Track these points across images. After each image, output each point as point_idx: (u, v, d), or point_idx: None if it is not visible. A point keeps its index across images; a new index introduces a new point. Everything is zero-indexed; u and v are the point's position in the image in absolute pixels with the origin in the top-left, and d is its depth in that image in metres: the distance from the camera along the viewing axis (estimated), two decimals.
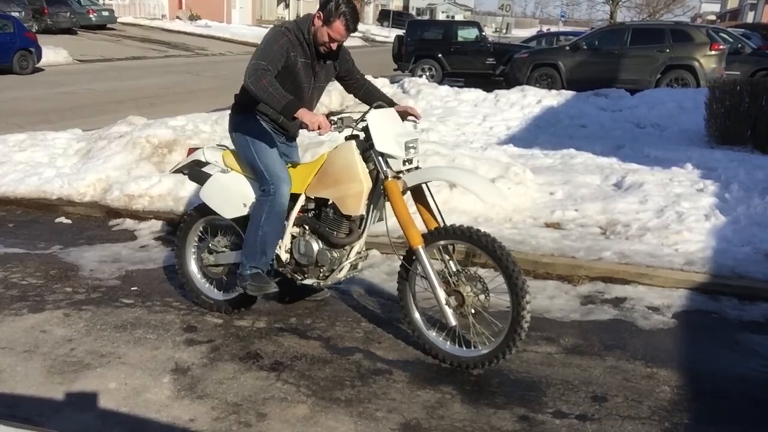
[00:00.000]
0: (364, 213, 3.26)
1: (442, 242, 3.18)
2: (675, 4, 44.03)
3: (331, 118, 3.10)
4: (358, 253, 3.40)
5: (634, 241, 4.68)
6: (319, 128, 2.98)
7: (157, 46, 25.48)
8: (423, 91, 11.51)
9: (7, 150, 6.77)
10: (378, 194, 3.25)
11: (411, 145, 3.16)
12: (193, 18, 34.45)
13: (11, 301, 3.85)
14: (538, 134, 8.68)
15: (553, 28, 46.52)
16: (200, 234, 3.85)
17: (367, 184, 3.18)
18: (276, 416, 2.79)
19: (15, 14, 19.19)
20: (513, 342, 3.01)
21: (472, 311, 3.12)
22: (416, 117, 3.46)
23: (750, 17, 41.12)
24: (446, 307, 3.09)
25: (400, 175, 3.18)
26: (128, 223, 5.37)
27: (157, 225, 5.29)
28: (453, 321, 3.10)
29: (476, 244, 3.04)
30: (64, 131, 7.52)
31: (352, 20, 3.17)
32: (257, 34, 30.01)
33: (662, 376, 3.19)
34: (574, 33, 22.46)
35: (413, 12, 61.37)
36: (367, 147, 3.19)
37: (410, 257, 3.25)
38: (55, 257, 4.61)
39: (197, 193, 5.37)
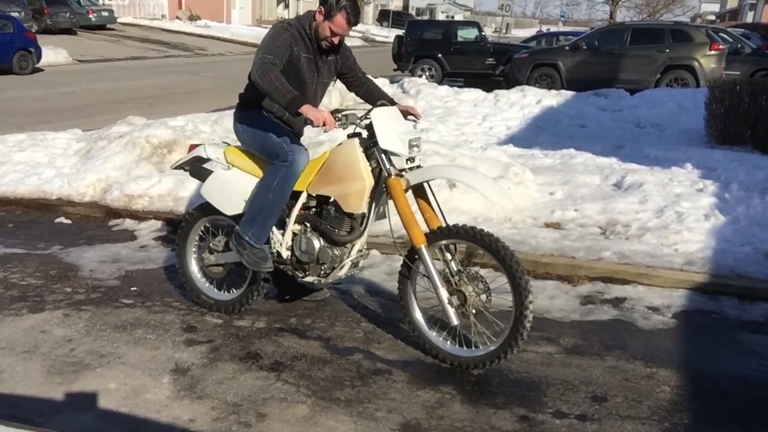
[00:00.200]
0: (365, 211, 3.26)
1: (444, 241, 3.18)
2: (675, 4, 44.08)
3: (336, 115, 3.11)
4: (360, 251, 3.40)
5: (633, 241, 4.68)
6: (323, 125, 2.99)
7: (156, 47, 25.48)
8: (423, 91, 11.52)
9: (6, 150, 6.77)
10: (380, 192, 3.24)
11: (414, 143, 3.16)
12: (192, 18, 34.45)
13: (11, 301, 3.85)
14: (537, 134, 8.68)
15: (553, 28, 46.53)
16: (201, 234, 3.85)
17: (369, 181, 3.18)
18: (276, 416, 2.79)
19: (15, 14, 19.19)
20: (515, 342, 3.01)
21: (474, 311, 3.12)
22: (416, 117, 3.46)
23: (749, 17, 41.14)
24: (448, 307, 3.09)
25: (403, 173, 3.18)
26: (128, 224, 5.37)
27: (156, 225, 5.28)
28: (455, 320, 3.10)
29: (479, 244, 3.04)
30: (63, 131, 7.52)
31: (353, 13, 3.18)
32: (257, 35, 30.01)
33: (662, 376, 3.19)
34: (574, 33, 22.46)
35: (413, 12, 61.36)
36: (370, 145, 3.19)
37: (412, 256, 3.24)
38: (55, 257, 4.61)
39: (197, 194, 5.39)
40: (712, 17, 52.65)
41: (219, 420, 2.75)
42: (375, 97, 3.49)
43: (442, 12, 65.91)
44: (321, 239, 3.36)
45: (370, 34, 39.97)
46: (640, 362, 3.31)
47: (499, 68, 16.82)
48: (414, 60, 17.13)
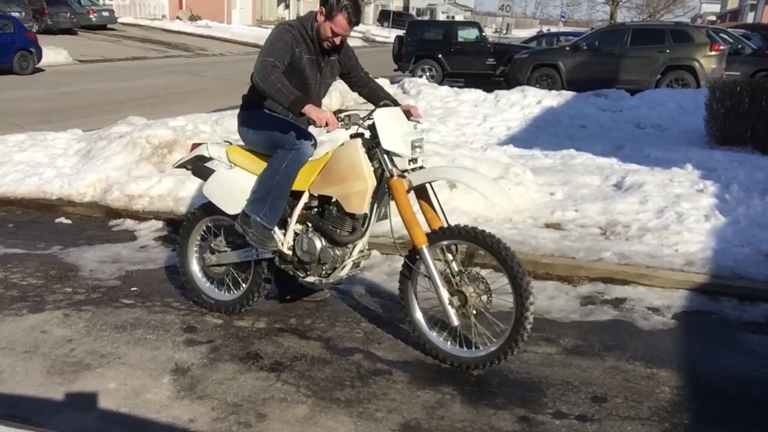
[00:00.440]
0: (367, 211, 3.26)
1: (445, 242, 3.18)
2: (675, 5, 44.10)
3: (339, 115, 3.11)
4: (361, 251, 3.40)
5: (634, 242, 4.68)
6: (326, 125, 2.99)
7: (157, 47, 25.48)
8: (423, 92, 11.52)
9: (7, 150, 6.77)
10: (382, 193, 3.24)
11: (417, 144, 3.17)
12: (193, 18, 34.46)
13: (11, 301, 3.85)
14: (538, 135, 8.68)
15: (554, 29, 46.53)
16: (203, 233, 3.85)
17: (371, 182, 3.18)
18: (276, 417, 2.79)
19: (15, 14, 19.20)
20: (515, 343, 3.01)
21: (474, 312, 3.12)
22: (418, 118, 3.46)
23: (750, 18, 41.11)
24: (449, 307, 3.09)
25: (405, 174, 3.18)
26: (128, 224, 5.37)
27: (157, 225, 5.28)
28: (456, 321, 3.10)
29: (481, 245, 3.04)
30: (64, 131, 7.53)
31: (354, 13, 3.18)
32: (257, 35, 30.07)
33: (662, 376, 3.19)
34: (575, 33, 22.47)
35: (413, 12, 61.39)
36: (372, 145, 3.19)
37: (413, 256, 3.24)
38: (55, 257, 4.61)
39: (197, 194, 5.40)
40: (713, 18, 52.65)
41: (219, 420, 2.75)
42: (378, 97, 3.50)
43: (443, 12, 65.93)
44: (323, 239, 3.36)
45: (370, 35, 39.98)
46: (641, 363, 3.31)
47: (499, 69, 16.82)
48: (414, 60, 17.13)
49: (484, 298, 3.11)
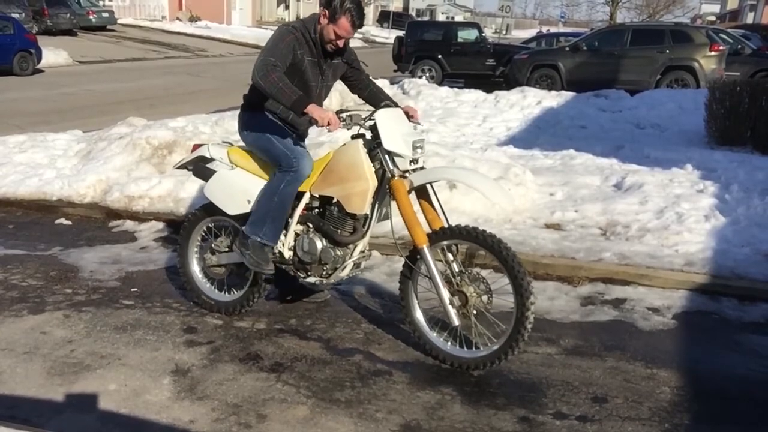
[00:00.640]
0: (368, 212, 3.26)
1: (446, 242, 3.18)
2: (675, 5, 44.14)
3: (340, 115, 3.11)
4: (362, 251, 3.40)
5: (634, 242, 4.68)
6: (328, 124, 2.99)
7: (157, 48, 25.49)
8: (423, 92, 11.52)
9: (7, 151, 6.77)
10: (383, 193, 3.25)
11: (418, 144, 3.17)
12: (193, 19, 34.46)
13: (11, 302, 3.85)
14: (538, 135, 8.68)
15: (553, 29, 46.55)
16: (203, 234, 3.85)
17: (372, 182, 3.18)
18: (276, 417, 2.79)
19: (15, 15, 19.18)
20: (516, 343, 3.01)
21: (475, 312, 3.12)
22: (416, 119, 3.46)
23: (750, 18, 41.11)
24: (450, 307, 3.10)
25: (406, 174, 3.18)
26: (128, 225, 5.37)
27: (157, 226, 5.28)
28: (456, 321, 3.10)
29: (482, 245, 3.04)
30: (64, 132, 7.53)
31: (358, 16, 3.18)
32: (257, 36, 30.09)
33: (662, 377, 3.19)
34: (574, 34, 22.49)
35: (413, 13, 61.38)
36: (373, 146, 3.19)
37: (414, 257, 3.24)
38: (55, 258, 4.61)
39: (197, 195, 5.40)
40: (713, 18, 52.67)
41: (219, 421, 2.75)
42: (378, 99, 3.50)
43: (442, 13, 65.95)
44: (323, 240, 3.36)
45: (370, 35, 39.99)
46: (641, 363, 3.31)
47: (499, 69, 16.83)
48: (414, 61, 17.13)
49: (485, 298, 3.11)
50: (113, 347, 3.35)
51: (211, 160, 3.64)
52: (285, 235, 3.47)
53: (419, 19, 49.76)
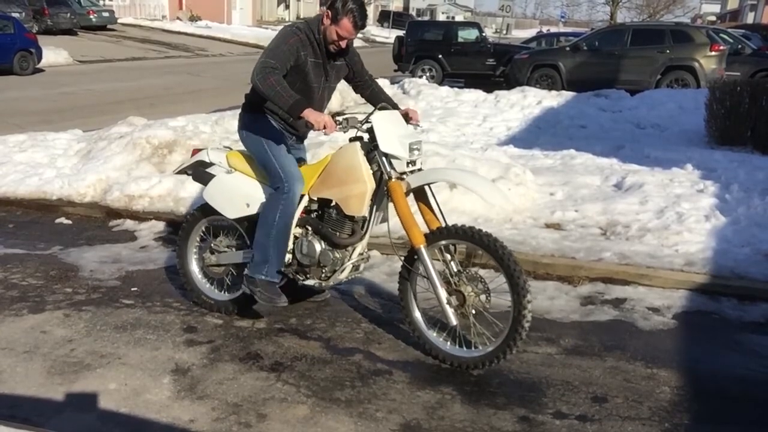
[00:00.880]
0: (366, 214, 3.26)
1: (443, 242, 3.18)
2: (675, 5, 44.12)
3: (337, 118, 3.12)
4: (360, 254, 3.40)
5: (634, 242, 4.68)
6: (324, 128, 2.99)
7: (157, 47, 25.49)
8: (423, 92, 11.52)
9: (7, 150, 6.77)
10: (381, 195, 3.25)
11: (415, 146, 3.17)
12: (193, 19, 34.46)
13: (11, 301, 3.85)
14: (538, 135, 8.68)
15: (553, 29, 46.54)
16: (202, 234, 3.85)
17: (370, 185, 3.18)
18: (276, 417, 2.79)
19: (15, 15, 19.19)
20: (514, 342, 3.01)
21: (473, 311, 3.12)
22: (416, 122, 3.46)
23: (750, 18, 41.10)
24: (447, 307, 3.10)
25: (404, 176, 3.19)
26: (128, 224, 5.37)
27: (157, 226, 5.29)
28: (454, 320, 3.10)
29: (478, 244, 3.04)
30: (64, 132, 7.53)
31: (360, 17, 3.18)
32: (257, 35, 30.10)
33: (662, 376, 3.19)
34: (575, 34, 22.47)
35: (413, 13, 61.39)
36: (371, 148, 3.20)
37: (412, 257, 3.25)
38: (55, 258, 4.61)
39: (197, 194, 5.40)
40: (713, 18, 52.66)
41: (219, 420, 2.75)
42: (379, 100, 3.50)
43: (443, 13, 65.93)
44: (322, 242, 3.37)
45: (370, 35, 39.96)
46: (641, 363, 3.31)
47: (499, 69, 16.82)
48: (414, 61, 17.13)
49: (483, 297, 3.11)
50: (113, 346, 3.35)
51: (210, 164, 3.65)
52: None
53: (419, 18, 49.75)
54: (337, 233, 3.31)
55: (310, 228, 3.42)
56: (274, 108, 3.36)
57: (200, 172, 3.69)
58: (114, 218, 5.49)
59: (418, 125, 3.51)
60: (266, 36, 25.77)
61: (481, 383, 3.10)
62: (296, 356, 3.30)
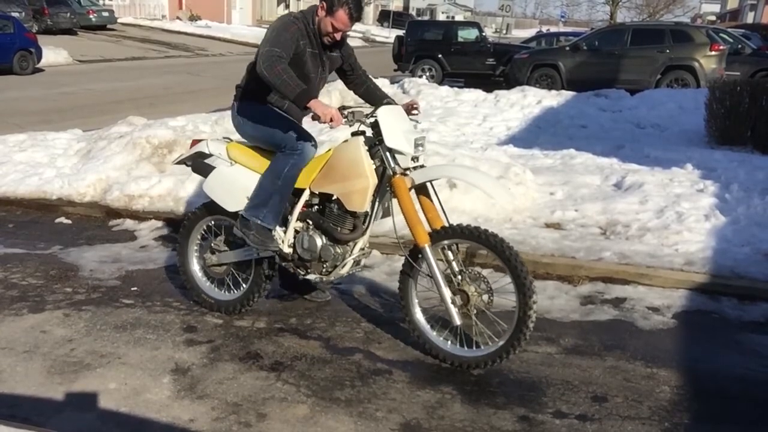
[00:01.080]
0: (368, 209, 3.25)
1: (447, 241, 3.18)
2: (675, 5, 44.09)
3: (343, 111, 3.10)
4: (362, 249, 3.39)
5: (634, 242, 4.68)
6: (331, 120, 2.98)
7: (157, 47, 25.48)
8: (423, 92, 11.51)
9: (7, 150, 6.77)
10: (383, 191, 3.24)
11: (419, 142, 3.17)
12: (193, 18, 34.45)
13: (11, 301, 3.85)
14: (538, 134, 8.68)
15: (553, 29, 46.51)
16: (203, 233, 3.84)
17: (373, 180, 3.17)
18: (276, 416, 2.79)
19: (15, 14, 19.19)
20: (518, 342, 3.01)
21: (475, 311, 3.12)
22: (417, 110, 3.45)
23: (750, 18, 41.12)
24: (451, 306, 3.09)
25: (408, 172, 3.18)
26: (128, 224, 5.37)
27: (157, 225, 5.29)
28: (458, 320, 3.10)
29: (484, 244, 3.04)
30: (64, 131, 7.53)
31: (355, 9, 3.18)
32: (257, 35, 29.97)
33: (662, 376, 3.19)
34: (574, 33, 22.47)
35: (413, 12, 61.39)
36: (374, 143, 3.19)
37: (415, 255, 3.23)
38: (55, 257, 4.61)
39: (197, 194, 5.40)
40: (713, 18, 52.67)
41: (219, 420, 2.75)
42: (375, 97, 3.50)
43: (443, 12, 65.93)
44: (323, 237, 3.36)
45: (370, 35, 39.98)
46: (641, 362, 3.31)
47: (499, 69, 16.82)
48: (414, 60, 17.13)
49: (486, 297, 3.11)
50: (113, 346, 3.35)
51: (210, 155, 3.63)
52: (285, 233, 3.46)
53: (419, 18, 49.75)
54: (339, 228, 3.30)
55: (311, 222, 3.41)
56: (273, 100, 3.35)
57: (200, 163, 3.68)
58: (114, 218, 5.49)
59: (418, 122, 3.50)
60: None
61: (481, 383, 3.10)
62: (296, 356, 3.30)
